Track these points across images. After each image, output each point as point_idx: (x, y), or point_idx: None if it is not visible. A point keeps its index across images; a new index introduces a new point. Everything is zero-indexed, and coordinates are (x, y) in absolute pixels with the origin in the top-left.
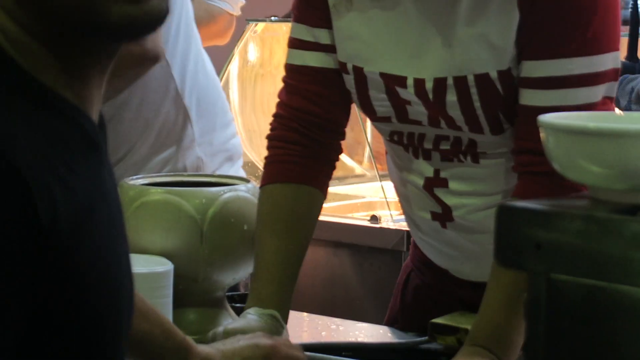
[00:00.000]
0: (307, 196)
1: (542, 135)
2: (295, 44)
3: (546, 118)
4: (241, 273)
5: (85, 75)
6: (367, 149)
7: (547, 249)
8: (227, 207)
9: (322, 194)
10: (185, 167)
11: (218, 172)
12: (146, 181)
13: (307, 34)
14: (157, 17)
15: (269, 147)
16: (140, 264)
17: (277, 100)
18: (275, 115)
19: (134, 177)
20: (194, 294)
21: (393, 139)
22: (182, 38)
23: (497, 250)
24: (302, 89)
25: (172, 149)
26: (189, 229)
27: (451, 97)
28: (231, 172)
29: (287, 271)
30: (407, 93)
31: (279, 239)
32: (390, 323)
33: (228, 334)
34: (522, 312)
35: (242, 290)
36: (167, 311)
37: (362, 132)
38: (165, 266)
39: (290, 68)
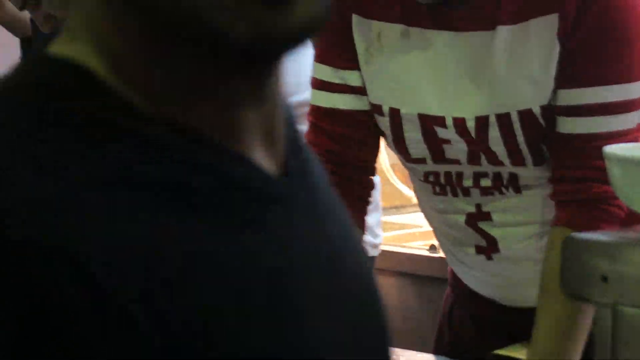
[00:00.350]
0: None
1: (607, 165)
2: (321, 85)
3: (612, 149)
4: None
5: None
6: None
7: (613, 280)
8: None
9: (362, 231)
10: None
11: None
12: None
13: (334, 75)
14: (310, 28)
15: None
16: None
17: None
18: None
19: None
20: None
21: (428, 179)
22: None
23: (563, 281)
24: (331, 131)
25: None
26: None
27: (494, 133)
28: None
29: None
30: (447, 132)
31: None
32: (437, 353)
33: None
34: (575, 338)
35: None
36: None
37: None
38: None
39: (317, 110)
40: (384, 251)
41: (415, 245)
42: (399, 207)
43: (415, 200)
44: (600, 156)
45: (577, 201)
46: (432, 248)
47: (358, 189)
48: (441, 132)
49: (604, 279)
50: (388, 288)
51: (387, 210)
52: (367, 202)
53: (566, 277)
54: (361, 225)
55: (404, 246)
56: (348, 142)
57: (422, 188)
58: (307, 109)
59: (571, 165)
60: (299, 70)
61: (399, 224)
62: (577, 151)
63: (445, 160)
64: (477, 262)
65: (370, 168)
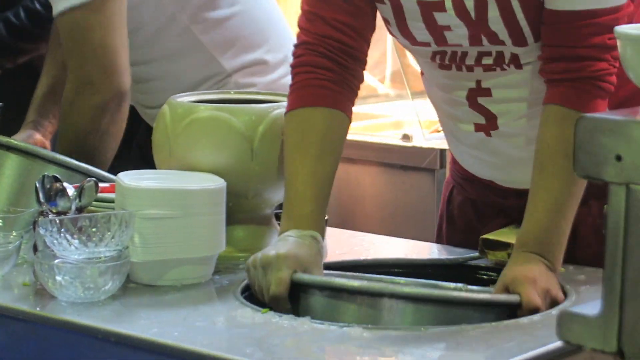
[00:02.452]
0: (337, 120)
1: (619, 45)
2: None
3: (623, 29)
4: None
5: None
6: (388, 68)
7: (628, 159)
8: (277, 123)
9: (349, 119)
10: None
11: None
12: (195, 98)
13: None
14: None
15: (295, 74)
16: (193, 181)
17: (298, 29)
18: (299, 44)
19: (183, 94)
20: (244, 211)
21: (434, 59)
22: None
23: (575, 161)
24: (329, 18)
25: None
26: (239, 145)
27: (493, 12)
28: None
29: (322, 193)
30: (447, 17)
31: (313, 162)
32: (438, 240)
33: (267, 259)
34: (568, 216)
35: None
36: (220, 228)
37: (384, 51)
38: (217, 183)
39: None
40: (356, 141)
41: (387, 134)
42: (365, 97)
43: (381, 91)
44: (594, 33)
45: (571, 80)
46: (405, 137)
47: (350, 78)
48: (441, 19)
49: (618, 158)
50: (362, 177)
51: None
52: (356, 93)
53: (580, 157)
54: (350, 114)
55: (375, 135)
56: (346, 29)
57: (427, 66)
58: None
59: (564, 43)
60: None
61: (369, 114)
62: (570, 30)
63: (448, 45)
64: (476, 141)
65: (363, 60)
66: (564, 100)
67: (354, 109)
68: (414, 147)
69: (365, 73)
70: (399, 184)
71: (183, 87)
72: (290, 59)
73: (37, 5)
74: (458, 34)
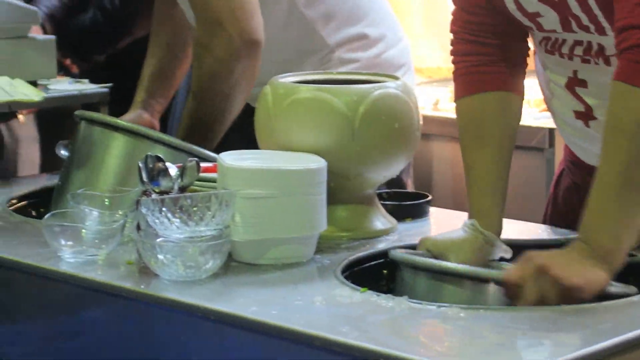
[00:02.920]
0: (501, 102)
1: None
2: None
3: None
4: (392, 170)
5: None
6: None
7: None
8: (377, 104)
9: (517, 94)
10: None
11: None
12: (296, 79)
13: None
14: None
15: (453, 62)
16: (294, 162)
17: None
18: (451, 32)
19: (285, 74)
20: (346, 191)
21: (542, 44)
22: None
23: None
24: (464, 3)
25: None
26: (340, 126)
27: None
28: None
29: (495, 181)
30: (531, 4)
31: (474, 152)
32: (543, 222)
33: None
34: (621, 199)
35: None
36: (321, 208)
37: None
38: (318, 163)
39: None
40: (446, 118)
41: None
42: None
43: None
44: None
45: (622, 51)
46: None
47: (508, 54)
48: (528, 5)
49: None
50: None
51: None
52: (519, 64)
53: None
54: (521, 90)
55: None
56: (481, 11)
57: (538, 48)
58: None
59: (620, 16)
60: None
61: None
62: (625, 3)
63: (545, 31)
64: (577, 128)
65: (509, 32)
66: (619, 75)
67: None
68: (522, 126)
69: None
70: (513, 164)
71: (285, 61)
72: (389, 35)
73: None
74: (549, 20)
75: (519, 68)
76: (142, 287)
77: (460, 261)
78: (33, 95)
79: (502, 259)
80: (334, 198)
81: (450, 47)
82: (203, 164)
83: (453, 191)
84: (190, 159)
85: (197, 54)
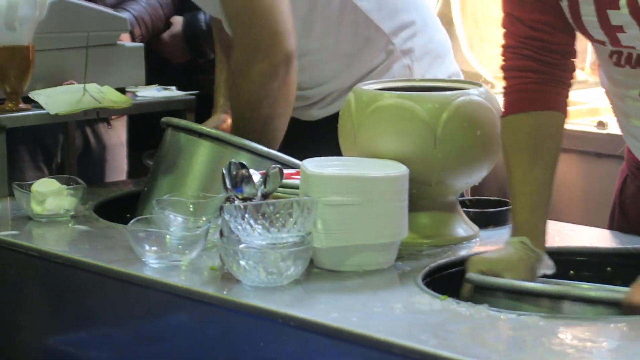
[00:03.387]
0: (549, 121)
1: None
2: None
3: None
4: (474, 177)
5: None
6: (589, 56)
7: None
8: (460, 111)
9: (564, 115)
10: (394, 77)
11: (431, 72)
12: (380, 86)
13: None
14: None
15: (505, 78)
16: (376, 169)
17: (503, 30)
18: (505, 46)
19: (368, 82)
20: (427, 198)
21: (612, 58)
22: None
23: None
24: (525, 19)
25: (378, 70)
26: (423, 133)
27: None
28: (444, 69)
29: (538, 198)
30: (621, 15)
31: (525, 169)
32: (611, 227)
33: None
34: None
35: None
36: (402, 215)
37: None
38: (400, 170)
39: None
40: None
41: (583, 122)
42: None
43: (580, 77)
44: None
45: None
46: (600, 124)
47: (560, 73)
48: (614, 18)
49: None
50: None
51: None
52: (569, 85)
53: None
54: (563, 110)
55: (570, 123)
56: (542, 26)
57: (604, 61)
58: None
59: None
60: None
61: None
62: None
63: (622, 46)
64: None
65: (569, 51)
66: None
67: None
68: (609, 135)
69: None
70: (593, 171)
71: (345, 56)
72: (430, 21)
73: None
74: (631, 35)
75: (568, 88)
76: (225, 292)
77: (519, 277)
78: (121, 102)
79: (544, 275)
80: (415, 205)
81: (503, 61)
82: (286, 171)
83: None
84: (273, 165)
85: (234, 83)
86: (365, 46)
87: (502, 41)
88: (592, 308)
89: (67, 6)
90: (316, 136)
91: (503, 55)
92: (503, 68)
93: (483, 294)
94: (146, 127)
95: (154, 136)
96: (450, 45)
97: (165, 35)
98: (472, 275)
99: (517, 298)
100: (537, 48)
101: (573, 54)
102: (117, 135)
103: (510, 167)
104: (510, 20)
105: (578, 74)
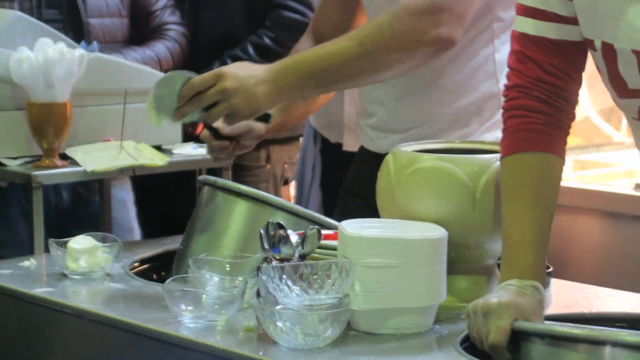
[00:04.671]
0: (552, 164)
1: None
2: (528, 12)
3: None
4: None
5: None
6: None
7: None
8: (499, 174)
9: (563, 161)
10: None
11: None
12: (418, 148)
13: (542, 2)
14: None
15: (510, 116)
16: (414, 231)
17: (508, 69)
18: (512, 85)
19: (406, 143)
20: (466, 261)
21: None
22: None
23: None
24: (542, 61)
25: (473, 126)
26: (462, 196)
27: None
28: None
29: (542, 241)
30: None
31: (530, 209)
32: None
33: (489, 306)
34: None
35: None
36: (441, 278)
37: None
38: (439, 233)
39: (523, 37)
40: (586, 190)
41: (619, 184)
42: (599, 145)
43: (616, 139)
44: None
45: None
46: (637, 187)
47: (563, 119)
48: None
49: None
50: (591, 227)
51: (586, 148)
52: (568, 133)
53: None
54: (563, 157)
55: (606, 185)
56: (557, 71)
57: (633, 123)
58: None
59: None
60: None
61: (601, 162)
62: None
63: None
64: None
65: (574, 100)
66: None
67: (586, 156)
68: None
69: (601, 121)
70: (629, 234)
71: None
72: None
73: (267, 40)
74: None
75: (567, 136)
76: (261, 353)
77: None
78: (157, 159)
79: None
80: (454, 268)
81: (509, 100)
82: (324, 232)
83: (573, 261)
84: (311, 226)
85: (397, 16)
86: (478, 124)
87: (506, 80)
88: (633, 354)
89: (105, 63)
90: None
91: (508, 94)
92: (508, 107)
93: (519, 341)
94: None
95: (185, 193)
96: None
97: None
98: (518, 323)
99: (556, 344)
100: (548, 92)
101: (576, 102)
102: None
103: (510, 206)
104: (521, 59)
105: (614, 135)
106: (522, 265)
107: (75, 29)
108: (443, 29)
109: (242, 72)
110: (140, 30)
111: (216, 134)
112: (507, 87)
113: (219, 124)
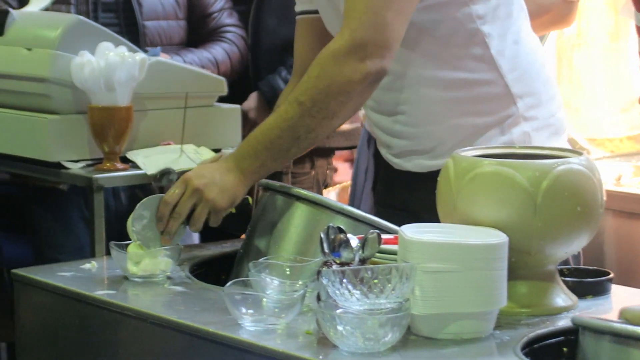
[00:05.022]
0: None
1: None
2: None
3: None
4: (574, 247)
5: None
6: None
7: None
8: (560, 179)
9: None
10: (512, 142)
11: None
12: (479, 153)
13: None
14: None
15: None
16: (475, 236)
17: None
18: None
19: (467, 148)
20: (526, 267)
21: None
22: (500, 19)
23: None
24: None
25: (496, 130)
26: (522, 201)
27: None
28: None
29: None
30: None
31: None
32: None
33: None
34: None
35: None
36: (501, 283)
37: None
38: (499, 238)
39: None
40: (620, 193)
41: None
42: None
43: None
44: None
45: None
46: None
47: None
48: None
49: None
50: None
51: None
52: None
53: None
54: None
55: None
56: None
57: None
58: None
59: None
60: None
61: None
62: None
63: None
64: None
65: None
66: None
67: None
68: None
69: None
70: None
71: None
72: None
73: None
74: None
75: None
76: (321, 357)
77: None
78: None
79: None
80: (514, 273)
81: None
82: (384, 236)
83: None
84: (371, 230)
85: (322, 65)
86: (499, 126)
87: (589, 81)
88: None
89: (166, 67)
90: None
91: None
92: None
93: (588, 338)
94: None
95: None
96: (566, 125)
97: (252, 113)
98: (577, 318)
99: (624, 343)
100: None
101: None
102: None
103: None
104: None
105: None
106: None
107: (131, 31)
108: (370, 63)
109: (206, 170)
110: (197, 32)
111: None
112: None
113: None
